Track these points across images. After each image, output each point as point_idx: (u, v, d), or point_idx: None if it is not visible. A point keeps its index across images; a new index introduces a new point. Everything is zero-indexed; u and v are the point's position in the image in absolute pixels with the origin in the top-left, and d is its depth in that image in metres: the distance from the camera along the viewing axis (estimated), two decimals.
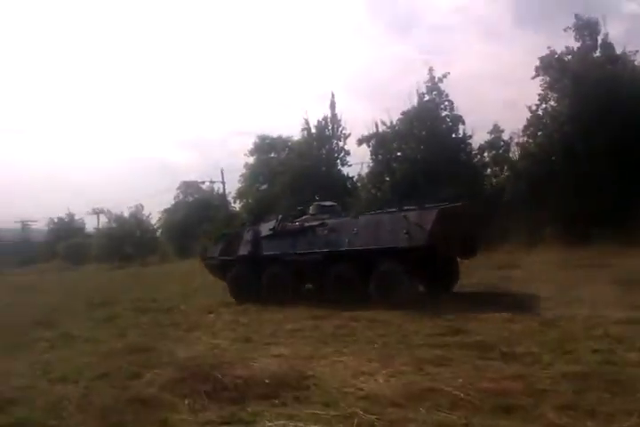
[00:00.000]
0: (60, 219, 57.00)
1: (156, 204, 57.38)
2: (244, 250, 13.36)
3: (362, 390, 5.62)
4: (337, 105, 31.53)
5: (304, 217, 13.22)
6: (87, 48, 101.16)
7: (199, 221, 45.28)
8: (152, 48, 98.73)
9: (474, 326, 8.38)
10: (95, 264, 41.66)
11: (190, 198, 47.70)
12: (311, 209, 13.53)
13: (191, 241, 44.56)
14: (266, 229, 13.31)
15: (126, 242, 41.63)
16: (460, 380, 5.60)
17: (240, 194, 44.52)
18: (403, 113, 24.90)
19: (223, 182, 42.17)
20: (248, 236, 13.45)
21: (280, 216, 13.58)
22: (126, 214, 43.94)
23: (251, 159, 42.22)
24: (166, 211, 47.31)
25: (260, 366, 6.80)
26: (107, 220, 44.88)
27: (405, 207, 11.53)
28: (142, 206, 44.55)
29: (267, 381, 5.97)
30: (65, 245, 46.79)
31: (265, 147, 43.69)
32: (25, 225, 61.87)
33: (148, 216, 45.06)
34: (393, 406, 5.03)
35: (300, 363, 6.83)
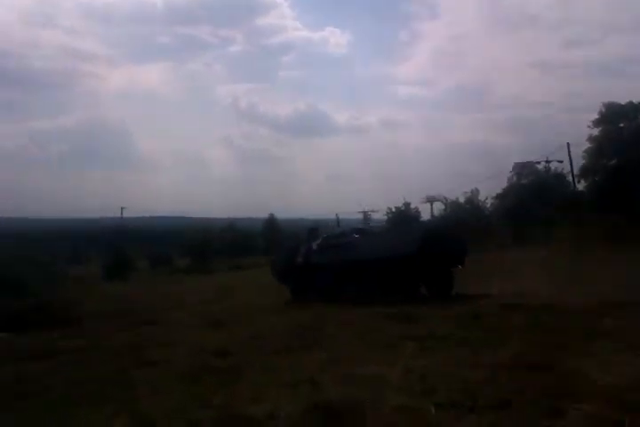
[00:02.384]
0: (397, 208, 59.27)
1: (486, 188, 55.29)
2: (299, 260, 17.17)
3: None
4: None
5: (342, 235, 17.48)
6: None
7: (536, 205, 41.83)
8: None
9: None
10: None
11: (525, 181, 44.47)
12: (348, 230, 18.33)
13: (529, 227, 41.25)
14: (315, 244, 17.24)
15: (462, 228, 40.68)
16: None
17: (584, 172, 39.42)
18: None
19: (570, 160, 37.69)
20: (303, 249, 17.39)
21: (325, 235, 18.02)
22: (462, 200, 42.96)
23: (595, 131, 36.81)
24: (498, 195, 44.97)
25: None
26: (443, 206, 44.59)
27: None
28: (478, 191, 43.00)
29: None
30: None
31: (613, 116, 37.78)
32: (366, 215, 66.29)
33: (484, 201, 43.32)
34: None
35: None
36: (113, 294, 22.87)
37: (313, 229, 20.29)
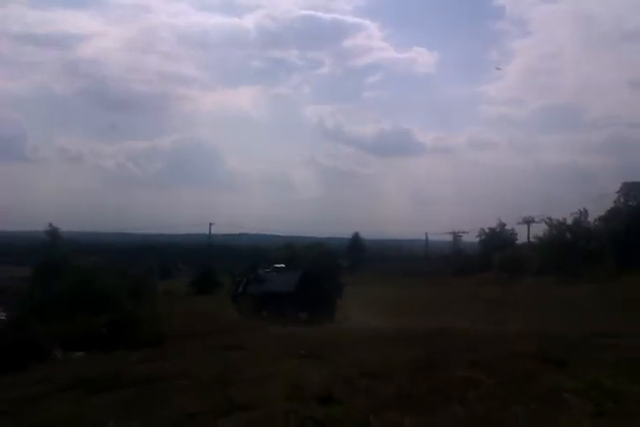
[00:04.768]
0: (491, 229, 55.97)
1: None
2: (240, 289, 23.96)
3: None
4: None
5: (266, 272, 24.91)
6: None
7: None
8: None
9: None
10: (533, 277, 38.40)
11: (633, 202, 40.36)
12: (271, 268, 25.31)
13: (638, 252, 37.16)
14: (250, 278, 24.31)
15: (569, 252, 37.08)
16: None
17: None
18: None
19: None
20: (243, 281, 24.32)
21: (257, 270, 25.56)
22: (569, 221, 39.29)
23: None
24: (601, 218, 40.95)
25: None
26: (547, 228, 40.87)
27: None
28: (586, 212, 39.25)
29: None
30: (500, 255, 44.92)
31: None
32: (456, 236, 63.17)
33: (594, 223, 39.52)
34: None
35: None
36: (197, 311, 21.92)
37: (252, 267, 27.90)
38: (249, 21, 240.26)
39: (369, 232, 75.87)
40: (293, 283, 22.05)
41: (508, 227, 56.02)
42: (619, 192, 39.67)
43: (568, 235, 39.90)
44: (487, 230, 56.77)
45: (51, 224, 28.61)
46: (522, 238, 53.65)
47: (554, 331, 12.15)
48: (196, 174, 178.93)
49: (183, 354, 11.08)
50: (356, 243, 70.97)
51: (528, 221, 51.59)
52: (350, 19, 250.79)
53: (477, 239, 58.60)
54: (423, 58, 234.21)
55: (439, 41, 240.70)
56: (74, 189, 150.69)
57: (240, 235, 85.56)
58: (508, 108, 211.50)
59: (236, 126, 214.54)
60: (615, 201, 39.71)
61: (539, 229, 44.93)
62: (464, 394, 6.51)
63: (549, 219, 40.91)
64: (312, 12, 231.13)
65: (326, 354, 9.83)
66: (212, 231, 65.89)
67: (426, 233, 65.72)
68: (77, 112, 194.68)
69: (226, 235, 75.00)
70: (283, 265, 25.81)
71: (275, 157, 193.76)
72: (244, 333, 15.50)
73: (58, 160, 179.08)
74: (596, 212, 40.24)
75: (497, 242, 53.57)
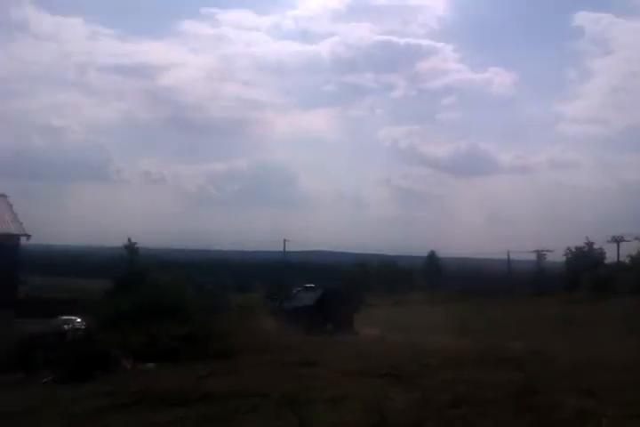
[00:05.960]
0: (578, 248, 52.86)
1: None
2: (277, 304, 29.07)
3: None
4: None
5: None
6: None
7: None
8: None
9: None
10: (625, 297, 35.60)
11: None
12: (302, 288, 29.39)
13: None
14: (286, 295, 30.10)
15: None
16: None
17: None
18: None
19: None
20: (279, 298, 29.76)
21: (295, 290, 29.95)
22: None
23: None
24: None
25: None
26: None
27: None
28: None
29: None
30: (591, 274, 42.11)
31: None
32: (540, 255, 60.06)
33: None
34: None
35: None
36: (271, 327, 21.47)
37: (287, 286, 31.87)
38: (324, 48, 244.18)
39: (445, 251, 73.47)
40: (314, 299, 26.18)
41: (595, 246, 53.01)
42: None
43: None
44: (574, 249, 53.84)
45: (129, 239, 29.22)
46: (611, 257, 50.64)
47: None
48: (271, 194, 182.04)
49: (255, 369, 10.47)
50: (431, 261, 69.00)
51: (618, 240, 48.60)
52: (425, 42, 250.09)
53: (563, 259, 55.71)
54: (500, 78, 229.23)
55: (516, 61, 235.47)
56: (154, 207, 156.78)
57: (313, 252, 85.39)
58: (590, 126, 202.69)
59: (310, 148, 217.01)
60: None
61: (629, 248, 42.03)
62: None
63: None
64: (386, 37, 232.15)
65: (409, 374, 8.91)
66: (287, 249, 65.82)
67: (508, 251, 62.73)
68: (160, 137, 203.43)
69: (299, 252, 74.91)
70: (312, 285, 29.28)
71: (349, 178, 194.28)
72: (310, 347, 14.79)
73: (139, 181, 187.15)
74: None
75: (584, 261, 50.65)
